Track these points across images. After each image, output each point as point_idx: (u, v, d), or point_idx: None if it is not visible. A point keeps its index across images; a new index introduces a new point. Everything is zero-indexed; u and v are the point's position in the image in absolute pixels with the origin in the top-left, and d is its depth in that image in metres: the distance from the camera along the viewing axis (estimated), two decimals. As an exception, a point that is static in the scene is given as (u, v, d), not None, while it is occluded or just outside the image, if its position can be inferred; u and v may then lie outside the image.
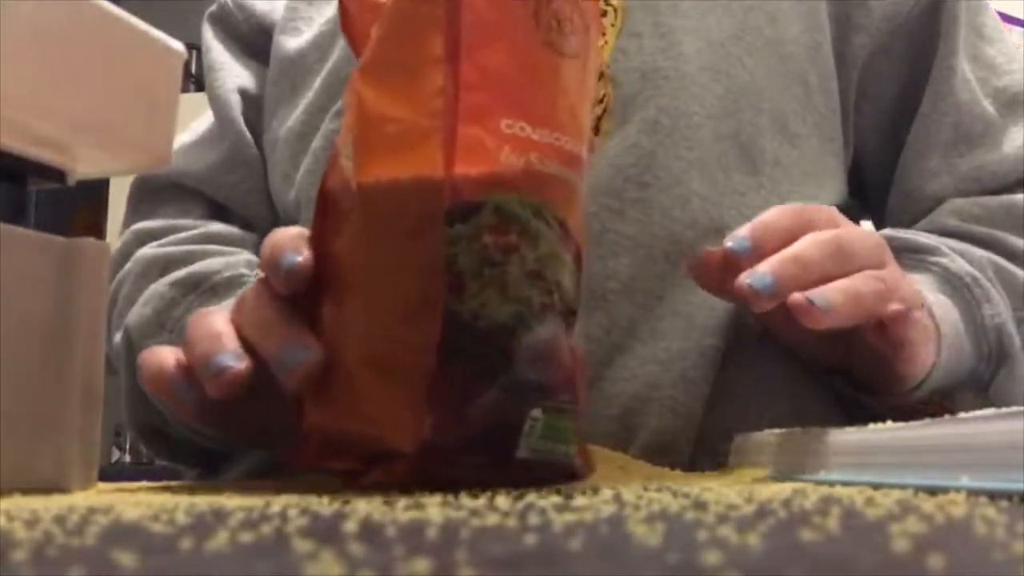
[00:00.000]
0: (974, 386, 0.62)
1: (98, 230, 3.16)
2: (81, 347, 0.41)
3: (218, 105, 0.77)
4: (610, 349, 0.59)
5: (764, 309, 0.48)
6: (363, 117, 0.40)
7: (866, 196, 0.74)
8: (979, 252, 0.64)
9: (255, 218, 0.77)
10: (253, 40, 0.79)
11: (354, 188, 0.39)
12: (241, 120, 0.77)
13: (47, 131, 0.40)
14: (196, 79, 3.49)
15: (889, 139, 0.72)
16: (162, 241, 0.73)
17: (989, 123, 0.69)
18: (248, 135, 0.76)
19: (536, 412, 0.38)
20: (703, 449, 0.58)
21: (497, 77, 0.39)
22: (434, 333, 0.37)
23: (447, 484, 0.36)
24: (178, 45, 0.45)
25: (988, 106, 0.69)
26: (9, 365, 0.38)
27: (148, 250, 0.71)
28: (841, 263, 0.50)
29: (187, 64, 2.42)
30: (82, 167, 0.44)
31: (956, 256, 0.62)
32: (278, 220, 0.74)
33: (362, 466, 0.39)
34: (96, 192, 3.27)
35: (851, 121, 0.70)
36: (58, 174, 0.43)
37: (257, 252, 0.70)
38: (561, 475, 0.40)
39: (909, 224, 0.69)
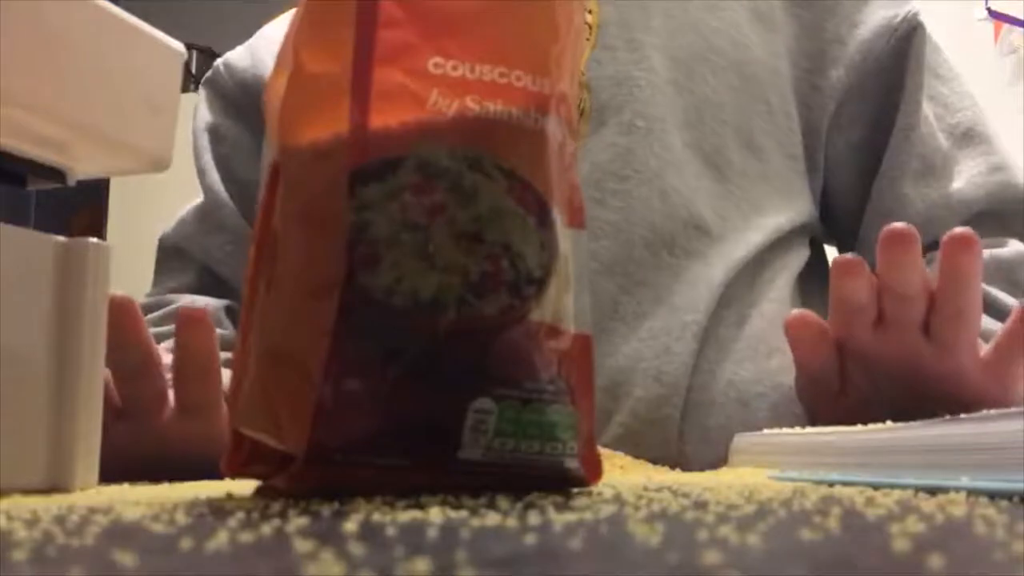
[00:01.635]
0: None
1: (98, 230, 3.16)
2: (81, 347, 0.41)
3: (198, 172, 0.85)
4: (593, 328, 0.61)
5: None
6: (292, 77, 0.34)
7: (835, 222, 0.78)
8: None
9: (238, 282, 0.81)
10: (239, 99, 0.84)
11: (276, 157, 0.35)
12: (219, 185, 0.83)
13: (47, 131, 0.40)
14: (196, 79, 3.50)
15: (861, 168, 0.76)
16: (149, 318, 0.78)
17: (946, 156, 0.74)
18: (226, 199, 0.83)
19: (484, 404, 0.32)
20: (691, 423, 0.62)
21: (424, 10, 0.34)
22: (332, 316, 0.31)
23: (364, 489, 0.31)
24: (178, 45, 0.45)
25: (943, 140, 0.75)
26: (9, 365, 0.38)
27: None
28: None
29: (187, 64, 2.42)
30: (82, 167, 0.44)
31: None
32: None
33: (274, 470, 0.34)
34: (96, 192, 3.27)
35: (823, 151, 0.75)
36: (58, 174, 0.43)
37: (231, 317, 0.80)
38: (544, 479, 0.34)
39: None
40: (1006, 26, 2.52)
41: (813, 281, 0.74)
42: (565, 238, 0.36)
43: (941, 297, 0.54)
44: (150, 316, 0.78)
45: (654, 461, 0.59)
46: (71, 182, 0.44)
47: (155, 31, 0.43)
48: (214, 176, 0.83)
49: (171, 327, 0.76)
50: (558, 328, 0.35)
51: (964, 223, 0.70)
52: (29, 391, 0.39)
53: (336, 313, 0.31)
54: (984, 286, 0.67)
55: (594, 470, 0.36)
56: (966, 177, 0.73)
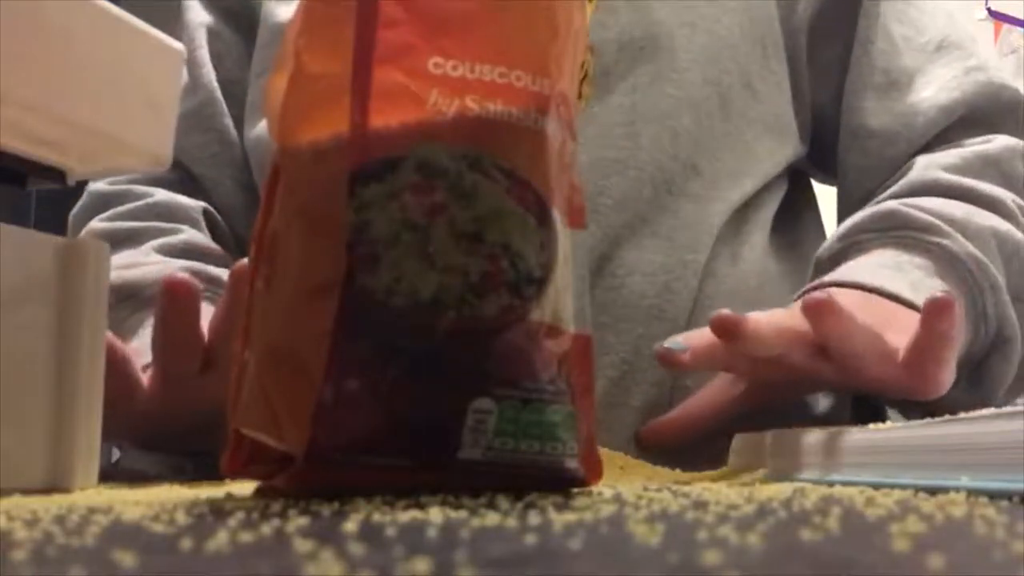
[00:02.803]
0: (966, 366, 0.62)
1: (98, 230, 3.16)
2: (81, 347, 0.41)
3: (189, 65, 0.80)
4: (599, 258, 0.65)
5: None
6: (292, 78, 0.34)
7: (823, 149, 0.78)
8: (980, 221, 0.65)
9: (214, 185, 0.79)
10: (234, 6, 0.82)
11: (276, 157, 0.35)
12: (214, 83, 0.80)
13: (47, 131, 0.40)
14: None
15: (836, 93, 0.76)
16: (110, 213, 0.76)
17: (915, 71, 0.74)
18: (219, 96, 0.80)
19: (483, 403, 0.32)
20: None
21: (424, 10, 0.34)
22: (332, 316, 0.31)
23: (364, 490, 0.31)
24: (178, 45, 0.45)
25: (912, 60, 0.74)
26: (9, 365, 0.38)
27: (96, 224, 0.75)
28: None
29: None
30: (82, 167, 0.44)
31: (957, 235, 0.63)
32: (249, 198, 0.78)
33: (274, 471, 0.34)
34: (96, 192, 3.27)
35: (806, 81, 0.75)
36: (58, 174, 0.43)
37: (208, 220, 0.77)
38: (544, 480, 0.34)
39: (864, 162, 0.73)
40: (1006, 26, 2.52)
41: (793, 209, 0.76)
42: (565, 238, 0.36)
43: (916, 359, 0.52)
44: (120, 209, 0.75)
45: (653, 398, 0.63)
46: (71, 182, 0.44)
47: (155, 31, 0.43)
48: (209, 70, 0.81)
49: (154, 224, 0.73)
50: (558, 328, 0.35)
51: (944, 130, 0.71)
52: (29, 391, 0.39)
53: (336, 313, 0.31)
54: (976, 181, 0.68)
55: (594, 470, 0.36)
56: (938, 84, 0.73)
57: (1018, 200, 0.69)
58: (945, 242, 0.62)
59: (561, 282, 0.35)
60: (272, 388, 0.33)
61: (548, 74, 0.35)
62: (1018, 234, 0.66)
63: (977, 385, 0.64)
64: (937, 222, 0.63)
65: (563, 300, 0.35)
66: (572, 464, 0.35)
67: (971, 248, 0.62)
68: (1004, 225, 0.66)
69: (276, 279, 0.34)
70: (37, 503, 0.32)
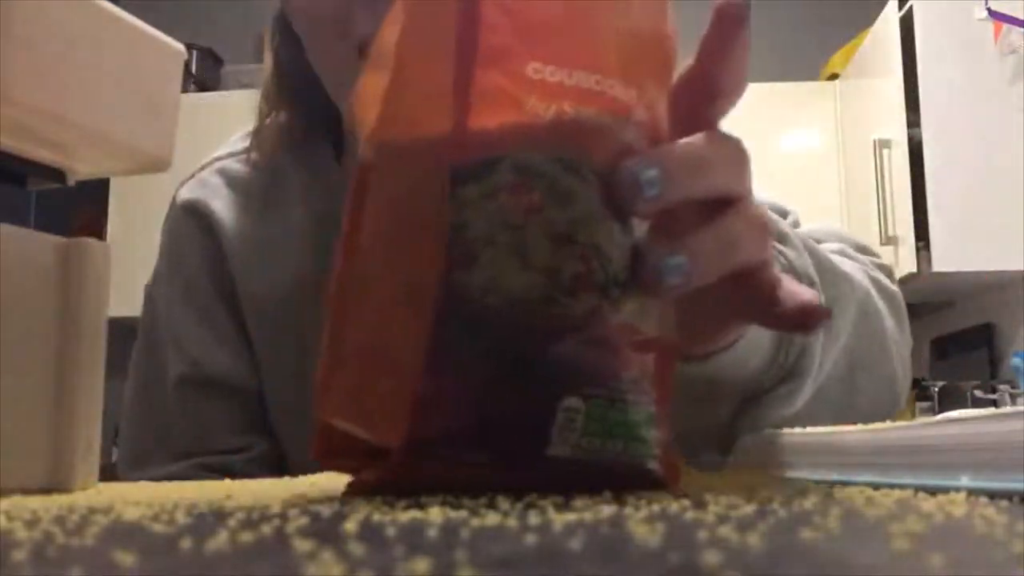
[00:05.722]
0: (745, 390, 0.57)
1: (98, 230, 3.17)
2: (82, 347, 0.41)
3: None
4: None
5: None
6: (393, 77, 0.35)
7: None
8: (828, 250, 0.64)
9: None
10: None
11: (368, 154, 0.35)
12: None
13: (47, 131, 0.40)
14: (196, 79, 3.49)
15: None
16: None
17: None
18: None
19: (573, 402, 0.33)
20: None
21: (525, 16, 0.34)
22: (431, 312, 0.32)
23: (451, 486, 0.32)
24: (178, 45, 0.45)
25: None
26: (9, 365, 0.38)
27: None
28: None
29: (187, 64, 2.42)
30: (82, 167, 0.44)
31: (804, 253, 0.58)
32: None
33: (363, 465, 0.35)
34: (96, 192, 3.27)
35: None
36: (58, 174, 0.43)
37: None
38: (626, 479, 0.34)
39: None
40: (1006, 26, 2.52)
41: None
42: None
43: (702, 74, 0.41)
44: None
45: None
46: (71, 182, 0.44)
47: (155, 31, 0.43)
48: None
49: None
50: (639, 330, 0.35)
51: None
52: (29, 391, 0.39)
53: (434, 310, 0.32)
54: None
55: (673, 472, 0.36)
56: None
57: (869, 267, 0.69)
58: (791, 254, 0.57)
59: None
60: (367, 382, 0.33)
61: (637, 83, 0.36)
62: (856, 276, 0.65)
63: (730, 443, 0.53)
64: (790, 232, 0.58)
65: (644, 304, 0.36)
66: (653, 465, 0.35)
67: (811, 271, 0.58)
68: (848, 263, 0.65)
69: (371, 275, 0.34)
70: (37, 503, 0.32)
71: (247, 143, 0.83)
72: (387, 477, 0.33)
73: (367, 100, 0.36)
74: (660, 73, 0.38)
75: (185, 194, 0.82)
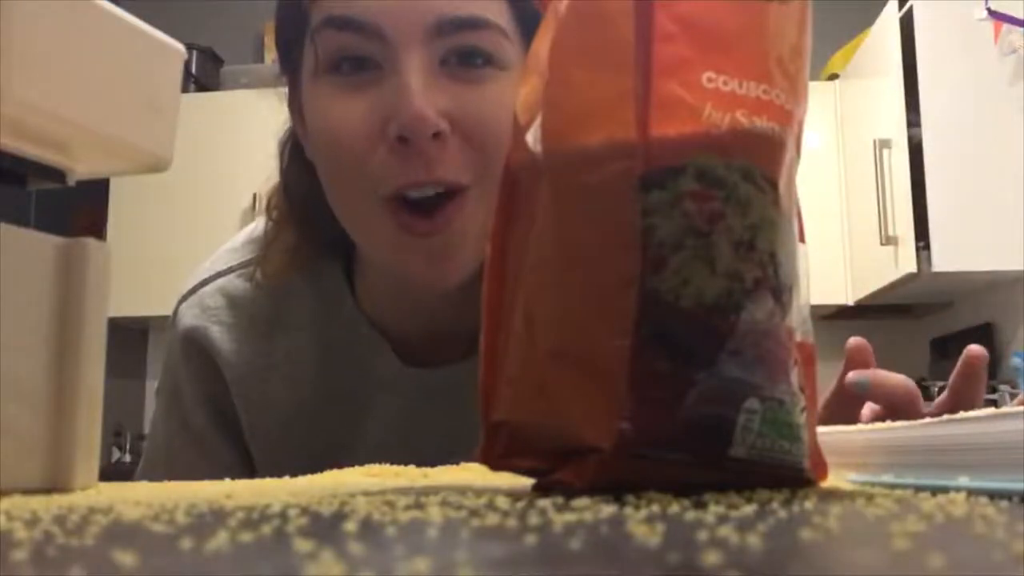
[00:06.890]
0: None
1: (98, 230, 3.16)
2: (82, 347, 0.41)
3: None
4: None
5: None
6: (553, 82, 0.36)
7: None
8: None
9: None
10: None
11: (541, 160, 0.36)
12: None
13: (47, 131, 0.40)
14: (196, 79, 3.49)
15: None
16: None
17: None
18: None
19: (752, 404, 0.34)
20: None
21: (696, 26, 0.35)
22: (630, 315, 0.33)
23: (642, 485, 0.32)
24: (178, 45, 0.45)
25: None
26: (9, 365, 0.38)
27: None
28: None
29: (187, 64, 2.42)
30: (82, 167, 0.44)
31: None
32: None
33: (548, 465, 0.35)
34: (96, 192, 3.27)
35: None
36: (58, 174, 0.43)
37: None
38: (787, 478, 0.35)
39: None
40: (1006, 26, 2.52)
41: None
42: (802, 251, 0.38)
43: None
44: None
45: None
46: (71, 182, 0.44)
47: (155, 31, 0.43)
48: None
49: None
50: (795, 334, 0.37)
51: None
52: (29, 391, 0.39)
53: (635, 312, 0.33)
54: None
55: (822, 472, 0.37)
56: None
57: None
58: None
59: (804, 293, 0.38)
60: (564, 385, 0.34)
61: (795, 93, 0.37)
62: None
63: None
64: None
65: (803, 310, 0.38)
66: (807, 464, 0.36)
67: None
68: None
69: (549, 280, 0.36)
70: (37, 503, 0.32)
71: (250, 252, 0.79)
72: (587, 477, 0.33)
73: (527, 104, 0.37)
74: (803, 82, 0.38)
75: (186, 320, 0.79)
